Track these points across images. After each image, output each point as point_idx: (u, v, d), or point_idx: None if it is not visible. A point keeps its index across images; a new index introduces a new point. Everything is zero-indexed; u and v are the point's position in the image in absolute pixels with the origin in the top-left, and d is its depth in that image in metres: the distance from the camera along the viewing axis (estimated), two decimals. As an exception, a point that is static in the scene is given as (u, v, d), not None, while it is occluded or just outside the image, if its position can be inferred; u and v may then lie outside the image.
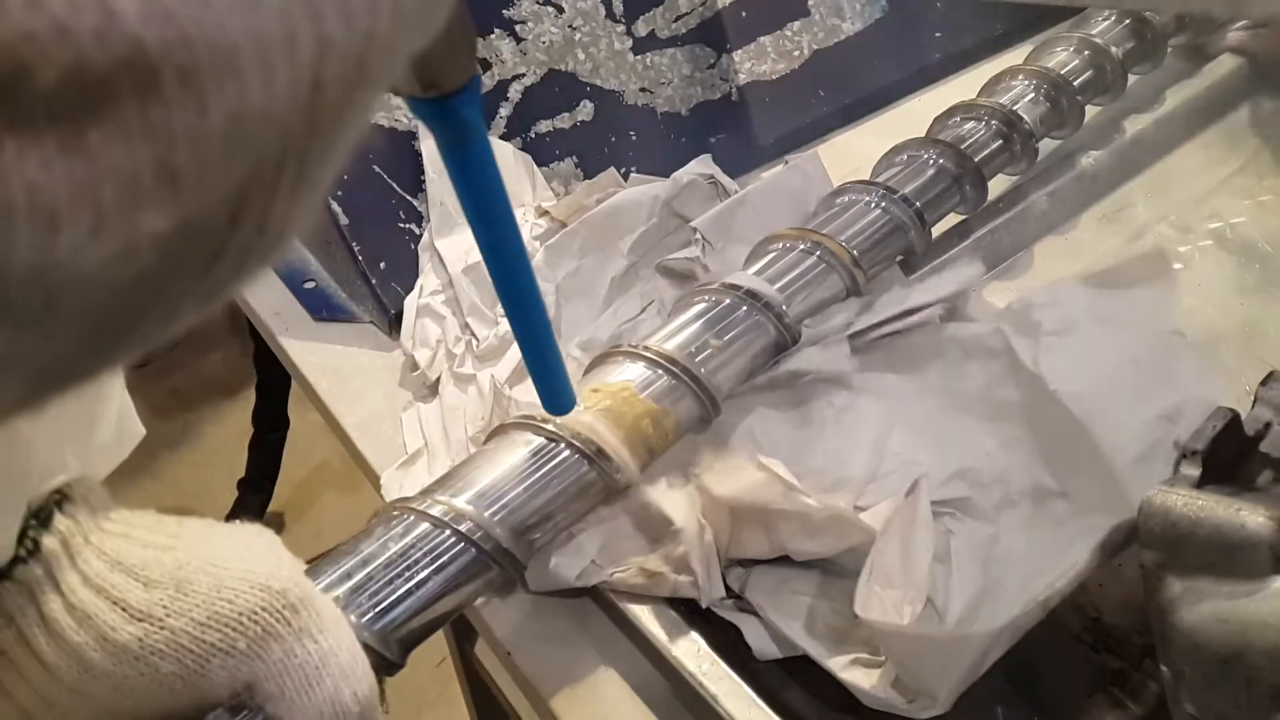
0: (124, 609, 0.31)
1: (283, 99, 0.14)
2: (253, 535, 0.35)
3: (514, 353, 0.55)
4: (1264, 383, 0.40)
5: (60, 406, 0.16)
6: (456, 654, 0.94)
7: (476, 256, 0.60)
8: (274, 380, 1.60)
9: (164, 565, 0.32)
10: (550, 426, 0.45)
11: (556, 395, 0.39)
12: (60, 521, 0.32)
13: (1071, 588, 0.40)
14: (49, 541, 0.32)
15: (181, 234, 0.14)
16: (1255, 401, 0.39)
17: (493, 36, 0.67)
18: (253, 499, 1.66)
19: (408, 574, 0.40)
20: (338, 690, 0.33)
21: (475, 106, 0.30)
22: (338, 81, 0.15)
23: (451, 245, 0.61)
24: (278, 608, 0.32)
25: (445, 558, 0.41)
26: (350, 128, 0.16)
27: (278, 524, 1.72)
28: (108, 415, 0.37)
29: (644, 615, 0.46)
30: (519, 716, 0.47)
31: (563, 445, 0.44)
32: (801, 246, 0.55)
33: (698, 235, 0.60)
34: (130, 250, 0.14)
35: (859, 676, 0.42)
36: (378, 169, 0.64)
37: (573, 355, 0.56)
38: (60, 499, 0.33)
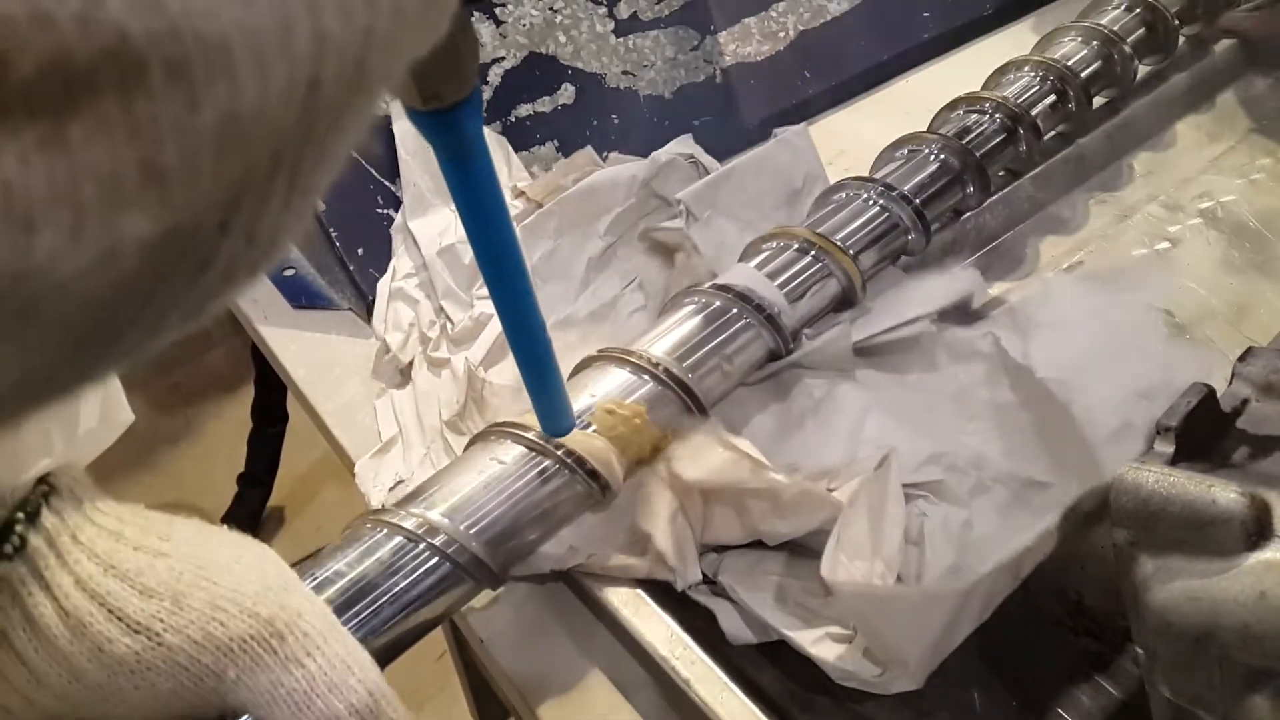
0: (120, 619, 0.30)
1: (278, 98, 0.13)
2: (242, 546, 0.34)
3: (489, 335, 0.54)
4: (1242, 358, 0.39)
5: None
6: (455, 648, 0.94)
7: (451, 238, 0.59)
8: (272, 374, 1.59)
9: (159, 573, 0.31)
10: (533, 436, 0.43)
11: (555, 417, 0.38)
12: (47, 518, 0.31)
13: (1043, 553, 0.39)
14: (35, 540, 0.31)
15: (167, 241, 0.13)
16: (1233, 377, 0.38)
17: (471, 19, 0.66)
18: (253, 493, 1.66)
19: (381, 589, 0.39)
20: (329, 708, 0.32)
21: (477, 120, 0.29)
22: (335, 82, 0.14)
23: (425, 227, 0.60)
24: (265, 636, 0.32)
25: (419, 572, 0.40)
26: (348, 134, 0.15)
27: (278, 518, 1.72)
28: (93, 399, 0.36)
29: (618, 600, 0.45)
30: (517, 710, 0.46)
31: (548, 458, 0.43)
32: (796, 246, 0.54)
33: (682, 207, 0.59)
34: (112, 256, 0.13)
35: (827, 651, 0.41)
36: (354, 154, 0.64)
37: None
38: (47, 491, 0.32)
